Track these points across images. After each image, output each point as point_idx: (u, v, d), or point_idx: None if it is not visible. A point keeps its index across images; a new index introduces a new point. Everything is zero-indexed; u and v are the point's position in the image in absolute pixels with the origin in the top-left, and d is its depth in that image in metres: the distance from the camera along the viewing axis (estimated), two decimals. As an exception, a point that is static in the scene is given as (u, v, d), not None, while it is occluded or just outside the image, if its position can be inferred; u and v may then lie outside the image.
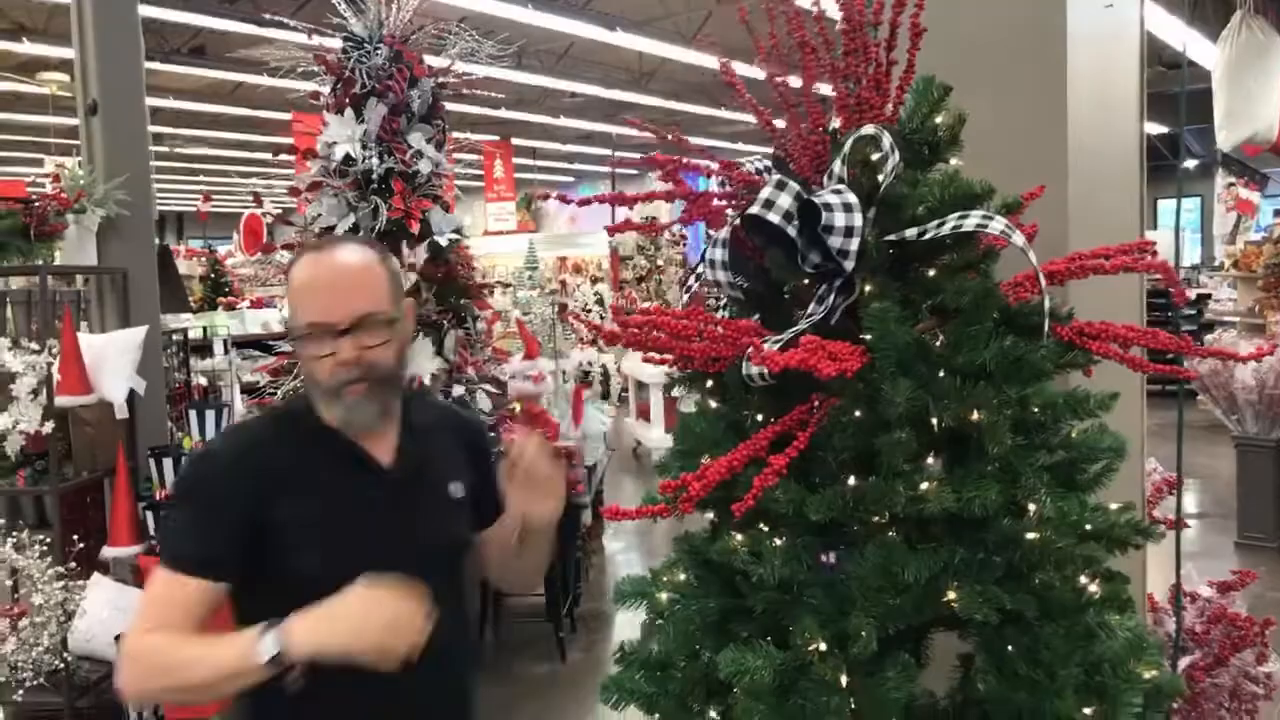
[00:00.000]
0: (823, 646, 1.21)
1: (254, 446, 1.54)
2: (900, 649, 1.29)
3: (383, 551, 1.47)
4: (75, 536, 3.57)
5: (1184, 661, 2.47)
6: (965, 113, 1.37)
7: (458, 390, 4.20)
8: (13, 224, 3.75)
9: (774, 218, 1.23)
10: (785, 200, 1.24)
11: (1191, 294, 12.75)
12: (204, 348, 7.11)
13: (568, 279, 16.67)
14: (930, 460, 1.26)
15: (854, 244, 1.21)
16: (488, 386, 4.34)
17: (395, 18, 4.23)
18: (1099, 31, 2.00)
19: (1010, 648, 1.30)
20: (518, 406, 4.99)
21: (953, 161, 1.40)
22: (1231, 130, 4.95)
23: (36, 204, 3.85)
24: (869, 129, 1.24)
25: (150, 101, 4.44)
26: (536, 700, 4.12)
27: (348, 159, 4.08)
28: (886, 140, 1.23)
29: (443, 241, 4.21)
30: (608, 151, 17.72)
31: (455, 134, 4.73)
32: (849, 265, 1.23)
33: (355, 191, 4.10)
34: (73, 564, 3.54)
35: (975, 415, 1.21)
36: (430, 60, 4.43)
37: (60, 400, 3.77)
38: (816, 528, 1.28)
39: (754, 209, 1.24)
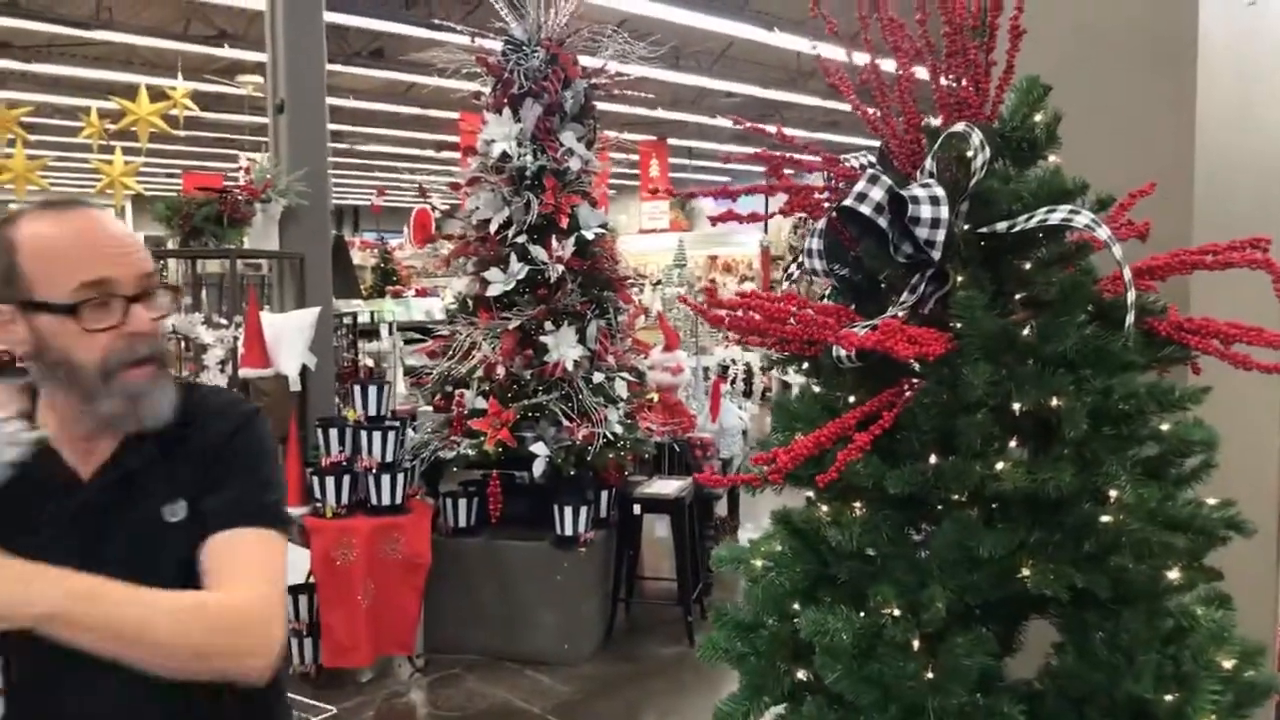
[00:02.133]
0: (897, 612, 1.29)
1: None
2: (984, 626, 1.36)
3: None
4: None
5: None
6: (1061, 111, 1.41)
7: (598, 377, 4.39)
8: (210, 211, 4.17)
9: (866, 209, 1.32)
10: (877, 193, 1.32)
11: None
12: (372, 332, 7.61)
13: (717, 277, 16.78)
14: (1012, 444, 1.32)
15: (940, 235, 1.29)
16: (626, 375, 4.51)
17: (553, 22, 4.46)
18: (1238, 30, 1.97)
19: (1093, 631, 1.34)
20: (655, 396, 5.15)
21: (1052, 159, 1.45)
22: None
23: (229, 194, 4.27)
24: (959, 126, 1.31)
25: (331, 101, 4.83)
26: (663, 679, 4.27)
27: (504, 156, 4.33)
28: (976, 137, 1.29)
29: (589, 235, 4.40)
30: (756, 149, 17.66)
31: (608, 133, 4.93)
32: (936, 255, 1.30)
33: (510, 187, 4.34)
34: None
35: (1054, 402, 1.26)
36: (585, 61, 4.64)
37: (243, 372, 4.18)
38: (898, 502, 1.36)
39: (848, 201, 1.33)
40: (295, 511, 4.12)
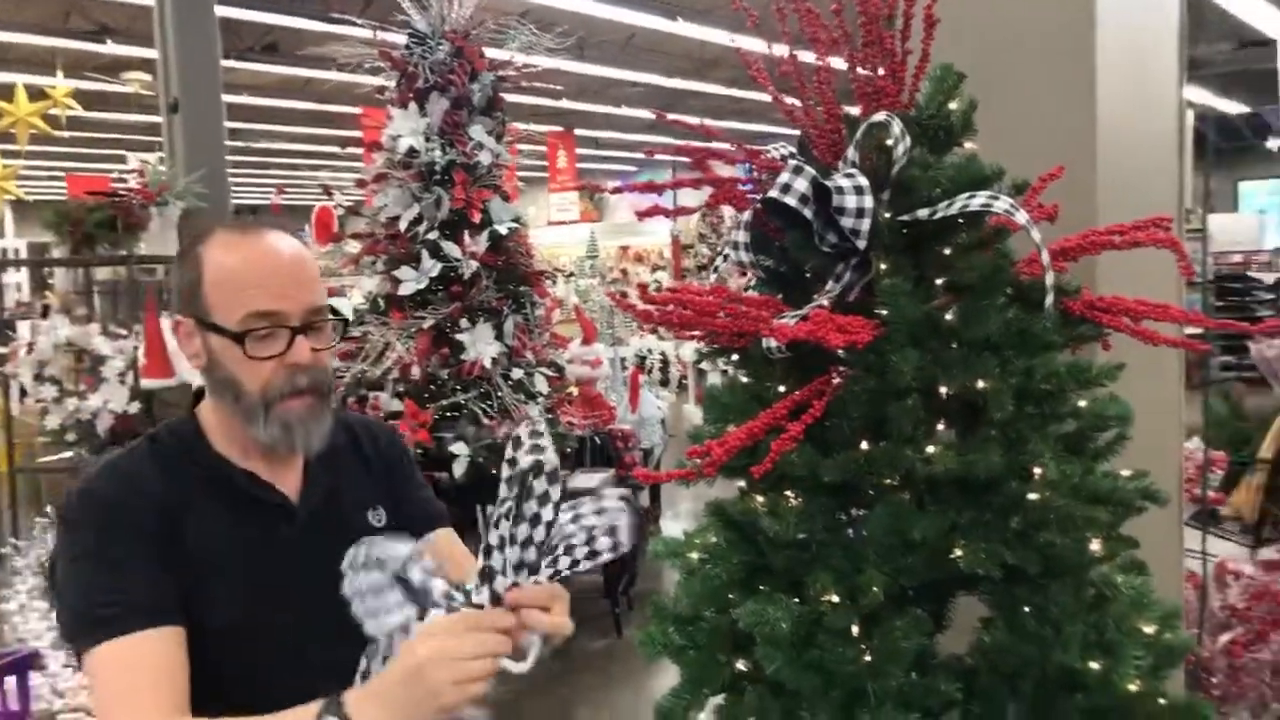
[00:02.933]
0: (835, 599, 1.31)
1: (141, 483, 1.28)
2: (917, 607, 1.38)
3: (302, 601, 1.30)
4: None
5: (1225, 636, 2.50)
6: (976, 99, 1.44)
7: (517, 373, 4.35)
8: (101, 217, 3.99)
9: (790, 200, 1.32)
10: (801, 184, 1.32)
11: (1270, 278, 12.42)
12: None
13: (629, 268, 16.81)
14: (940, 427, 1.35)
15: (865, 224, 1.30)
16: (545, 370, 4.48)
17: (457, 14, 4.39)
18: (1133, 13, 2.04)
19: (1022, 606, 1.38)
20: (575, 390, 5.13)
21: (968, 145, 1.47)
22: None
23: (122, 198, 4.09)
24: (879, 116, 1.32)
25: (226, 98, 4.67)
26: (593, 672, 4.26)
27: (411, 151, 4.25)
28: (896, 126, 1.31)
29: (502, 230, 4.36)
30: (670, 140, 17.81)
31: (517, 125, 4.87)
32: (862, 244, 1.32)
33: (419, 183, 4.27)
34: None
35: (980, 384, 1.29)
36: (491, 53, 4.58)
37: (145, 382, 4.01)
38: (832, 489, 1.37)
39: (772, 192, 1.33)
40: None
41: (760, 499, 1.41)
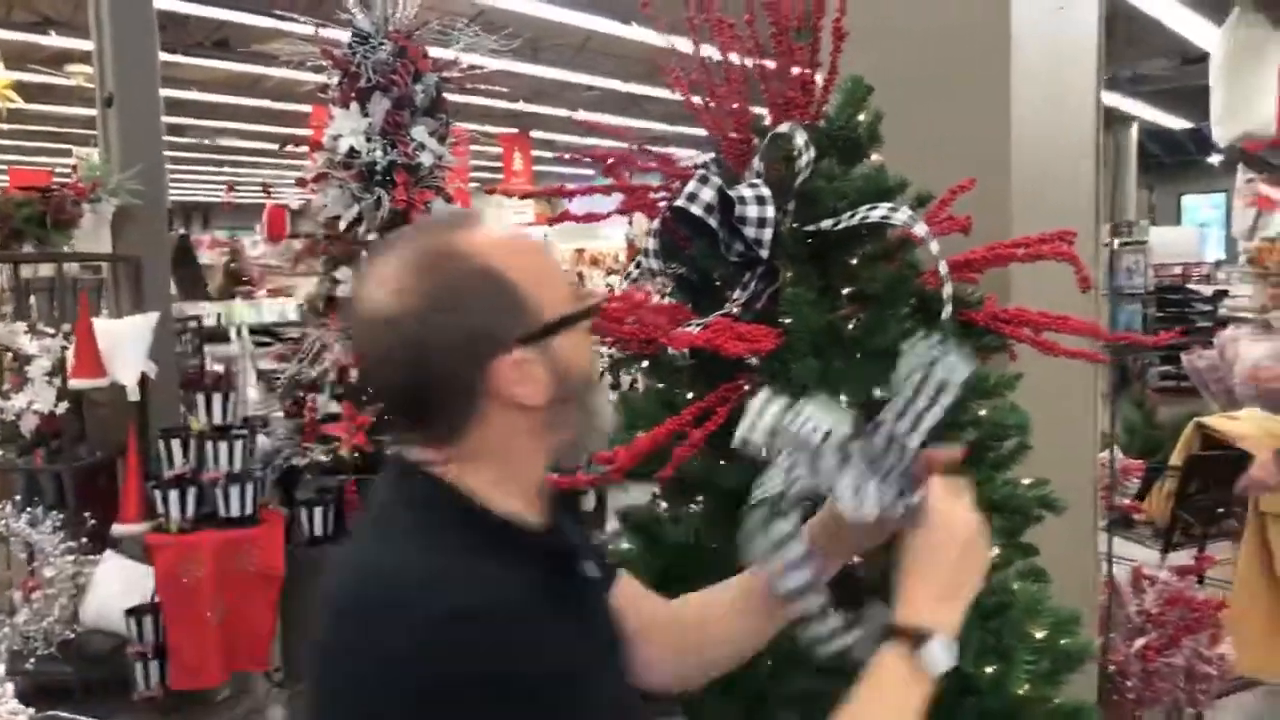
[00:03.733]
0: (735, 604, 1.31)
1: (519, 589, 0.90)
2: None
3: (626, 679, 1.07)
4: (87, 514, 3.73)
5: (1140, 641, 2.55)
6: (891, 109, 1.46)
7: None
8: (30, 212, 3.91)
9: (696, 210, 1.33)
10: (707, 193, 1.34)
11: (1209, 290, 12.70)
12: (223, 335, 7.28)
13: (584, 270, 16.78)
14: (842, 434, 1.36)
15: (767, 234, 1.31)
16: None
17: (401, 13, 4.35)
18: (1049, 31, 2.08)
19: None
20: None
21: (878, 156, 1.49)
22: (1228, 125, 4.98)
23: (54, 193, 4.01)
24: (784, 126, 1.34)
25: (176, 94, 4.59)
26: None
27: (352, 152, 4.20)
28: (800, 137, 1.33)
29: (443, 232, 4.32)
30: (623, 145, 17.78)
31: (470, 126, 4.84)
32: (764, 254, 1.33)
33: (359, 183, 4.22)
34: (84, 539, 3.70)
35: (878, 393, 1.31)
36: (437, 53, 4.54)
37: (74, 383, 3.93)
38: (736, 496, 1.38)
39: (679, 201, 1.34)
40: (135, 529, 3.92)
41: (664, 505, 1.42)
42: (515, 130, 17.30)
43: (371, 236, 4.18)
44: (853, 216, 1.34)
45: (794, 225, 1.39)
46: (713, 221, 1.34)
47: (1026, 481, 1.52)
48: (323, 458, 4.12)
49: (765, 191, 1.31)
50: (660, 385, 1.53)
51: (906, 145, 1.79)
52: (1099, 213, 2.29)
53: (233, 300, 8.89)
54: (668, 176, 1.48)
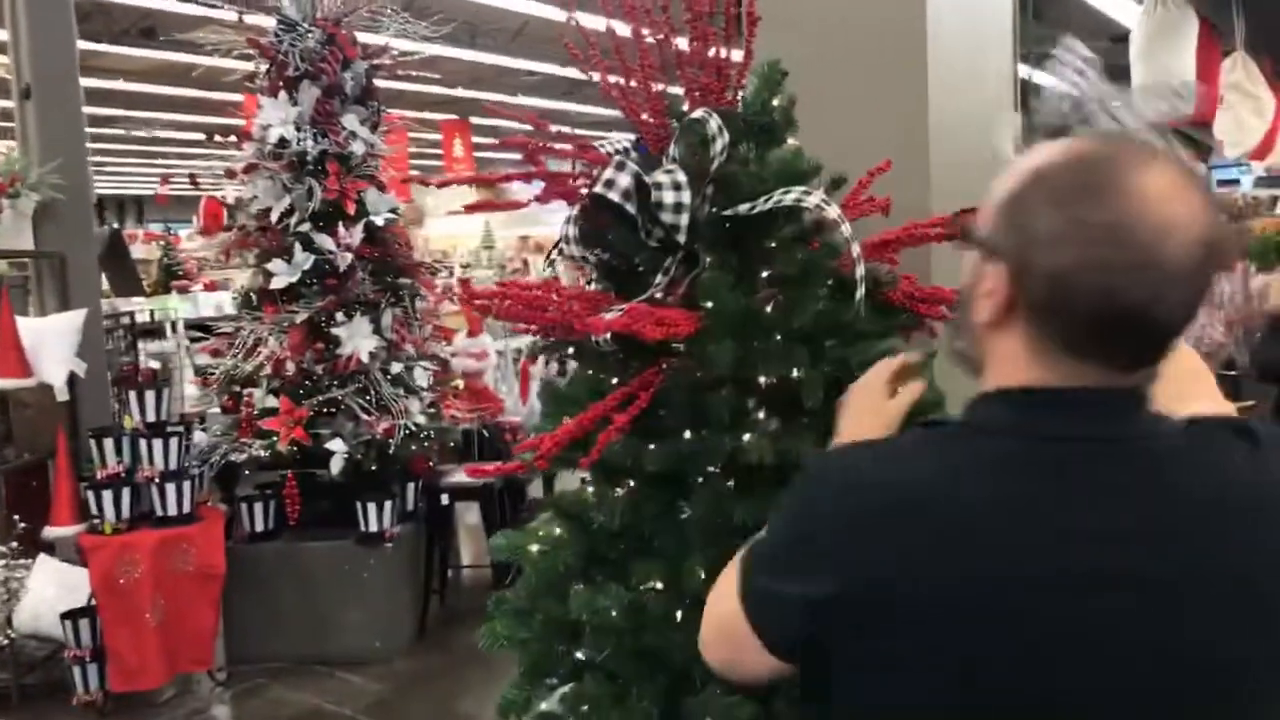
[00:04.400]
0: (659, 585, 1.34)
1: None
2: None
3: None
4: (16, 517, 3.64)
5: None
6: (811, 92, 1.48)
7: (396, 367, 4.29)
8: (-56, 209, 3.79)
9: (614, 196, 1.34)
10: (624, 179, 1.35)
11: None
12: (157, 330, 7.13)
13: (529, 258, 16.68)
14: (762, 416, 1.38)
15: (683, 219, 1.33)
16: (426, 364, 4.43)
17: (329, 0, 4.29)
18: (967, 12, 2.12)
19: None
20: (460, 383, 5.09)
21: (792, 141, 1.51)
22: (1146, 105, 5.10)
23: (-32, 190, 3.89)
24: (698, 112, 1.35)
25: (101, 84, 4.47)
26: (478, 666, 4.24)
27: (282, 141, 4.13)
28: (714, 122, 1.34)
29: (379, 221, 4.28)
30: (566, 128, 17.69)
31: (408, 114, 4.78)
32: (682, 239, 1.35)
33: (290, 174, 4.16)
34: (14, 544, 3.62)
35: (795, 373, 1.33)
36: (368, 40, 4.48)
37: (-1, 383, 3.83)
38: (661, 479, 1.40)
39: (596, 188, 1.35)
40: (67, 531, 3.84)
41: (590, 489, 1.43)
42: (455, 117, 17.12)
43: (303, 227, 4.12)
44: (767, 201, 1.36)
45: (712, 210, 1.41)
46: (630, 208, 1.35)
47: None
48: (261, 453, 4.07)
49: (681, 177, 1.32)
50: (589, 372, 1.54)
51: (826, 129, 1.81)
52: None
53: (168, 294, 8.70)
54: (587, 163, 1.49)
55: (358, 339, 4.14)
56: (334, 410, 4.15)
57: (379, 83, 4.48)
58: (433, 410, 4.46)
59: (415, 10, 4.75)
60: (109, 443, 3.87)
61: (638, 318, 1.25)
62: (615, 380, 1.48)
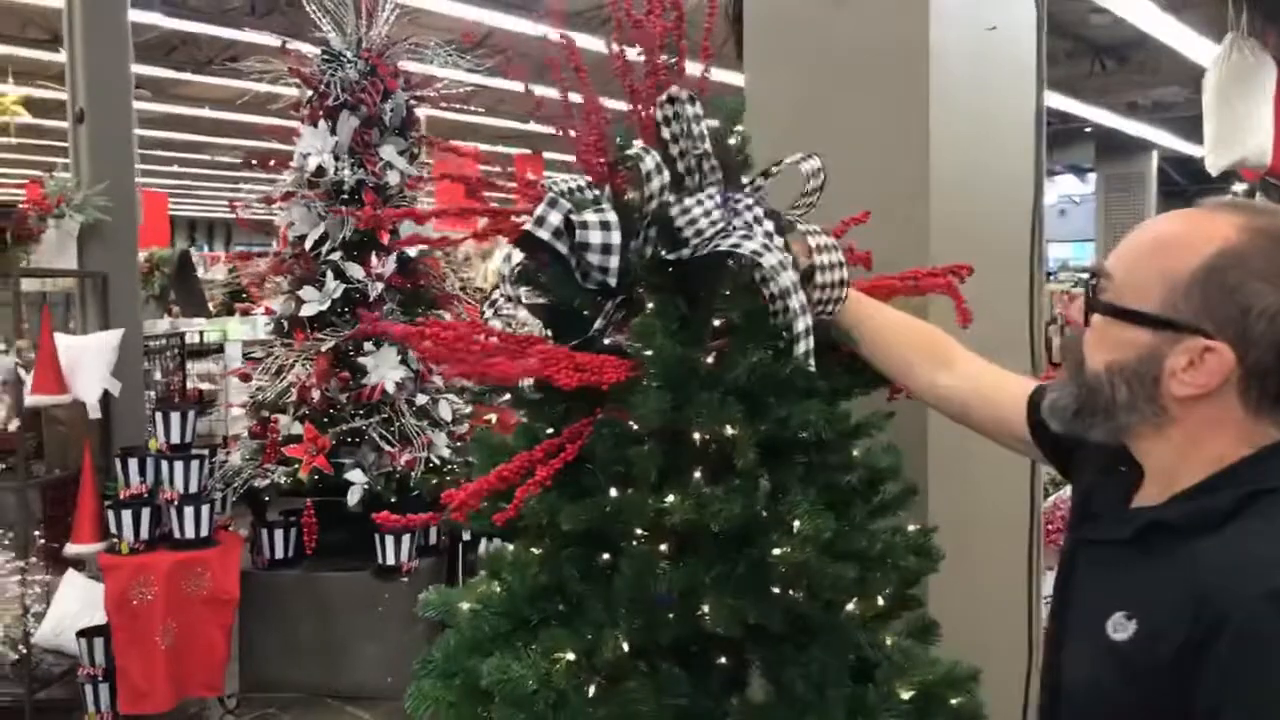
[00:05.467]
0: (571, 656, 1.23)
1: None
2: (677, 664, 1.30)
3: None
4: (37, 533, 3.68)
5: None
6: (750, 134, 1.38)
7: (421, 399, 4.26)
8: (-11, 228, 3.89)
9: (544, 234, 1.26)
10: (555, 218, 1.26)
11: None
12: (218, 351, 7.25)
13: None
14: (697, 475, 1.27)
15: (613, 261, 1.23)
16: (452, 396, 4.39)
17: (375, 31, 4.33)
18: (972, 50, 1.99)
19: (786, 666, 1.30)
20: (494, 416, 5.03)
21: (745, 179, 1.41)
22: (1219, 155, 4.86)
23: (16, 209, 3.99)
24: (635, 149, 1.26)
25: (188, 111, 4.56)
26: (489, 709, 4.15)
27: (319, 170, 4.17)
28: (651, 160, 1.25)
29: (411, 252, 4.27)
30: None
31: (484, 147, 4.78)
32: (612, 281, 1.25)
33: (325, 202, 4.18)
34: (33, 559, 3.65)
35: (729, 431, 1.22)
36: (416, 69, 4.50)
37: (33, 399, 3.89)
38: (587, 539, 1.30)
39: (527, 226, 1.27)
40: (88, 549, 3.86)
41: (510, 547, 1.33)
42: (528, 151, 17.32)
43: (335, 256, 4.14)
44: (708, 244, 1.26)
45: (656, 252, 1.31)
46: (562, 247, 1.26)
47: (912, 528, 1.43)
48: (282, 480, 4.07)
49: (611, 217, 1.23)
50: (525, 420, 1.45)
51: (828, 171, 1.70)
52: (1037, 242, 2.18)
53: (231, 316, 8.89)
54: (531, 199, 1.41)
55: (384, 369, 4.13)
56: (358, 440, 4.14)
57: (452, 115, 4.48)
58: (459, 444, 4.41)
59: (486, 46, 4.77)
60: (134, 462, 3.90)
61: (551, 364, 1.16)
62: (550, 430, 1.39)
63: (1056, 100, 12.25)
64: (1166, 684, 0.93)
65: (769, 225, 1.31)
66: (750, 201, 1.32)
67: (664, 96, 1.29)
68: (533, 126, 15.47)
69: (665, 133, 1.30)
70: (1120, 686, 0.97)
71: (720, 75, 1.42)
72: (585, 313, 1.42)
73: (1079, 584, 1.09)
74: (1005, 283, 2.08)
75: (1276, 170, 5.50)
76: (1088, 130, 14.78)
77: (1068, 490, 1.72)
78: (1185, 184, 19.05)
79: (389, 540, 4.11)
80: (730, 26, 2.57)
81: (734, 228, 1.23)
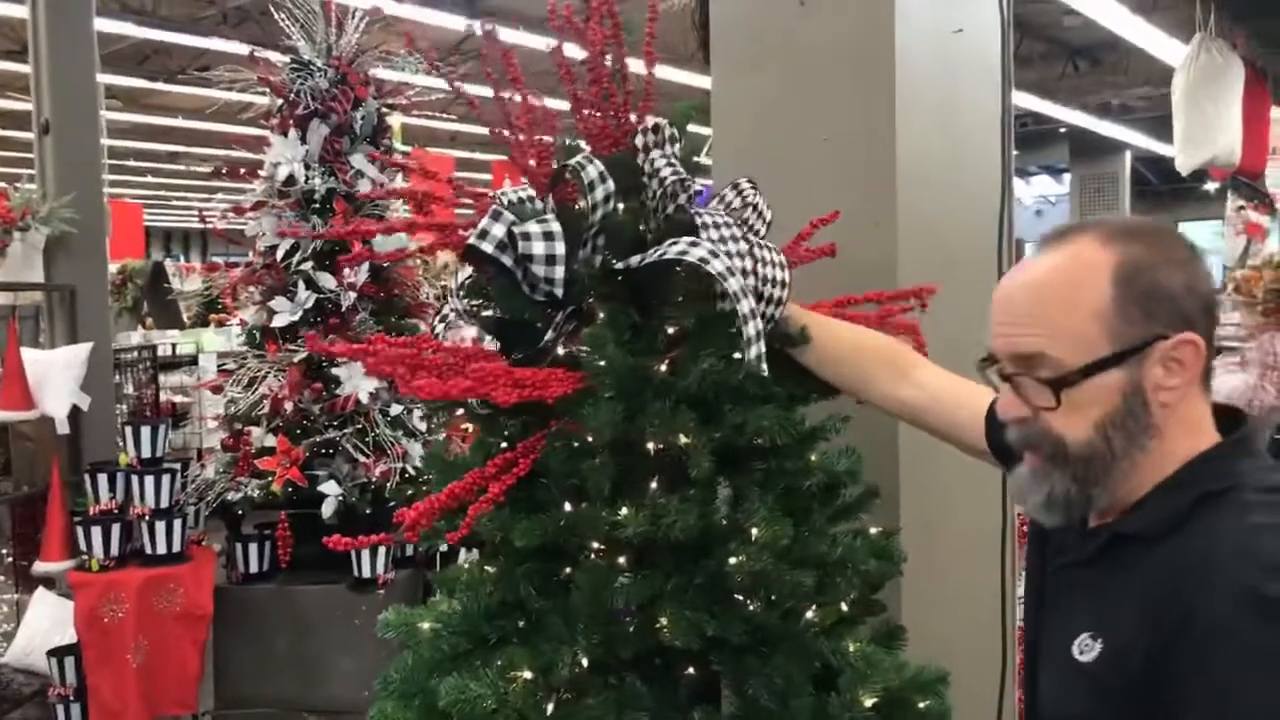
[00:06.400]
0: (528, 675, 1.21)
1: None
2: (638, 678, 1.28)
3: None
4: (5, 551, 3.63)
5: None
6: (702, 137, 1.37)
7: (396, 409, 4.22)
8: (-50, 241, 3.84)
9: (488, 247, 1.24)
10: (499, 230, 1.24)
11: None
12: (185, 363, 7.18)
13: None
14: (654, 486, 1.26)
15: (558, 272, 1.22)
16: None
17: (343, 40, 4.29)
18: (946, 55, 1.99)
19: (750, 676, 1.28)
20: (470, 425, 5.00)
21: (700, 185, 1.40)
22: (1189, 154, 4.90)
23: (-23, 223, 3.94)
24: (576, 159, 1.24)
25: (160, 121, 4.52)
26: None
27: (290, 179, 4.13)
28: (593, 169, 1.23)
29: (384, 261, 4.24)
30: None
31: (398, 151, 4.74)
32: (558, 292, 1.24)
33: (296, 211, 4.14)
34: (2, 577, 3.60)
35: (683, 440, 1.20)
36: (386, 78, 4.47)
37: (-1, 416, 3.84)
38: (543, 554, 1.28)
39: (470, 239, 1.25)
40: (57, 566, 3.81)
41: (466, 565, 1.31)
42: (505, 158, 17.30)
43: (306, 265, 4.10)
44: (655, 253, 1.24)
45: (604, 261, 1.30)
46: (507, 260, 1.24)
47: (874, 531, 1.42)
48: (255, 493, 4.02)
49: (555, 227, 1.21)
50: (481, 435, 1.43)
51: (794, 175, 1.70)
52: (1006, 242, 2.18)
53: (205, 327, 8.82)
54: (480, 211, 1.39)
55: (357, 379, 4.08)
56: (332, 451, 4.09)
57: (435, 124, 4.46)
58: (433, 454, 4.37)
59: (463, 53, 4.74)
60: (104, 478, 3.86)
61: (486, 381, 1.14)
62: (504, 445, 1.37)
63: (1031, 102, 12.33)
64: (1139, 698, 0.92)
65: (722, 232, 1.29)
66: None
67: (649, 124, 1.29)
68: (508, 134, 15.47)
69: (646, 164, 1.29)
70: (1094, 708, 0.97)
71: (688, 79, 1.41)
72: (536, 325, 1.40)
73: (1049, 610, 1.09)
74: (973, 282, 2.08)
75: (1245, 169, 5.55)
76: (1062, 131, 14.89)
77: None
78: (1158, 184, 19.19)
79: (364, 553, 4.06)
80: (696, 32, 2.56)
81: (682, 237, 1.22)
